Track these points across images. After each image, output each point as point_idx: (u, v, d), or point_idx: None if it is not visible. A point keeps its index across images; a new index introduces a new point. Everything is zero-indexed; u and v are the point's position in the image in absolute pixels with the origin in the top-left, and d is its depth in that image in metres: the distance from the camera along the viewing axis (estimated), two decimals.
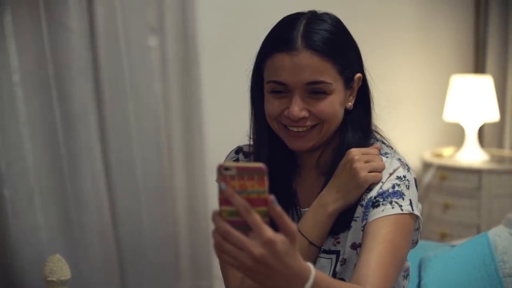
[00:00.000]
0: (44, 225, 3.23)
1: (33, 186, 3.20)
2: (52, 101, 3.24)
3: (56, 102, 3.24)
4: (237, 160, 1.99)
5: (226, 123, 3.91)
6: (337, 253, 1.80)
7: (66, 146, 3.29)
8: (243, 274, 1.33)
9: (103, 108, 3.41)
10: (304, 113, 1.74)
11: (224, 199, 1.30)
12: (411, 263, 1.97)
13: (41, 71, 3.21)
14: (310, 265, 1.36)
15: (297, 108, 1.72)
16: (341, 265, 1.78)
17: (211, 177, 3.71)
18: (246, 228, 1.29)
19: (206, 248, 3.79)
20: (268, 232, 1.28)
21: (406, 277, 1.92)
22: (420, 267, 2.83)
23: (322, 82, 1.71)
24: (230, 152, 2.03)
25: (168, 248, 3.70)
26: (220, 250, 1.31)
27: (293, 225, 1.31)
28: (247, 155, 1.99)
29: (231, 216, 1.30)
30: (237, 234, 1.29)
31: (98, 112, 3.40)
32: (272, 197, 1.30)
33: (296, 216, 1.87)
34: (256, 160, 1.88)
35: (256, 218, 1.28)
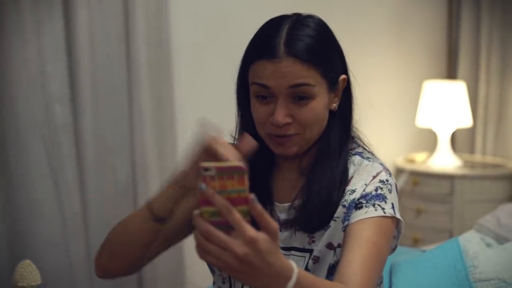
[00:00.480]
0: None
1: None
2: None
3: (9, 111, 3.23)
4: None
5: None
6: (311, 251, 1.80)
7: (46, 153, 3.27)
8: (228, 273, 1.33)
9: (79, 115, 3.40)
10: (288, 119, 1.74)
11: (204, 200, 1.30)
12: None
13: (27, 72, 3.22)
14: (293, 263, 1.37)
15: (281, 115, 1.73)
16: (313, 263, 1.79)
17: None
18: (228, 228, 1.30)
19: (180, 255, 3.78)
20: (250, 230, 1.29)
21: (379, 284, 1.92)
22: (390, 272, 2.84)
23: (305, 84, 1.71)
24: None
25: None
26: (203, 251, 1.31)
27: (274, 223, 1.32)
28: None
29: (212, 217, 1.30)
30: (219, 234, 1.29)
31: (73, 119, 3.38)
32: (252, 196, 1.30)
33: (273, 211, 1.87)
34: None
35: (238, 217, 1.29)
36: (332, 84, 1.79)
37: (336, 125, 1.84)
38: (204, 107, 3.94)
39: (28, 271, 1.95)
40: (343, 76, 1.83)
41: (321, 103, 1.76)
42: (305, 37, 1.72)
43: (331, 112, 1.83)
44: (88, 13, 3.40)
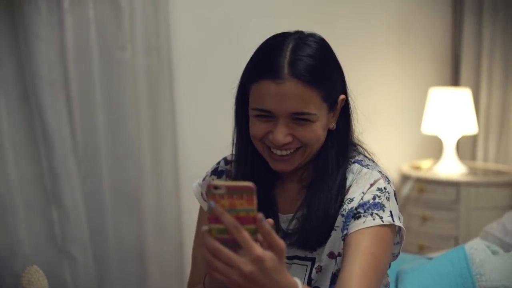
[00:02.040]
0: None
1: (16, 198, 3.19)
2: (32, 113, 3.24)
3: (36, 114, 3.23)
4: (217, 168, 2.01)
5: (201, 138, 3.91)
6: (313, 260, 1.83)
7: (46, 159, 3.27)
8: None
9: (74, 121, 3.38)
10: (288, 139, 1.76)
11: (213, 217, 1.33)
12: (389, 275, 1.98)
13: (19, 82, 3.21)
14: (297, 280, 1.39)
15: (282, 135, 1.75)
16: (317, 272, 1.81)
17: (185, 191, 3.71)
18: (235, 245, 1.32)
19: (177, 262, 3.77)
20: (257, 249, 1.31)
21: None
22: (397, 280, 2.84)
23: (306, 113, 1.73)
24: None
25: (135, 264, 3.67)
26: (210, 268, 1.34)
27: (281, 242, 1.34)
28: (227, 162, 2.02)
29: (220, 234, 1.33)
30: (226, 252, 1.31)
31: (70, 124, 3.36)
32: (261, 215, 1.33)
33: (277, 221, 1.88)
34: (238, 172, 1.90)
35: (245, 235, 1.31)
36: (331, 105, 1.81)
37: (334, 142, 1.86)
38: (204, 113, 3.94)
39: (35, 277, 1.96)
40: (342, 97, 1.84)
41: (320, 126, 1.78)
42: (308, 58, 1.73)
43: (329, 130, 1.84)
44: (86, 18, 3.39)
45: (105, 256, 3.55)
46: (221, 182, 1.33)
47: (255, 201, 1.33)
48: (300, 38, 1.77)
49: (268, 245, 1.33)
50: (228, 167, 2.00)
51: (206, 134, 3.89)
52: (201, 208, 2.03)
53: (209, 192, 1.33)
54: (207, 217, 1.34)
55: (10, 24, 3.16)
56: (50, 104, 3.23)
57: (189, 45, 3.86)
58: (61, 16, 3.29)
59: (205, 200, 1.98)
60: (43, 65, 3.20)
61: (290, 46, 1.74)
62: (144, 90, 3.61)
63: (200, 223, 2.02)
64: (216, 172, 2.02)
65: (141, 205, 3.65)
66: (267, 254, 1.32)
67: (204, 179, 2.03)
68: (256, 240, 1.33)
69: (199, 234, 1.99)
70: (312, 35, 1.81)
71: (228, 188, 1.32)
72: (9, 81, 3.19)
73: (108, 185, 3.55)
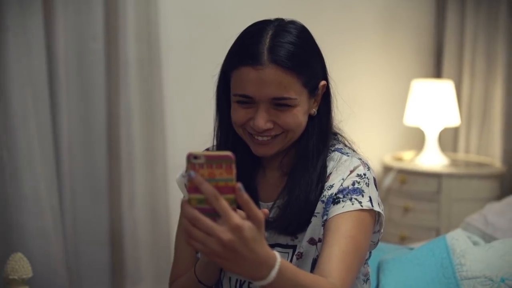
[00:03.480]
0: None
1: None
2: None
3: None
4: None
5: (190, 126, 3.92)
6: (294, 247, 1.84)
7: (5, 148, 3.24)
8: (212, 260, 1.35)
9: (58, 110, 3.38)
10: (269, 125, 1.77)
11: (193, 187, 1.33)
12: (370, 265, 2.00)
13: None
14: (276, 253, 1.40)
15: (262, 121, 1.76)
16: (297, 258, 1.83)
17: (173, 178, 3.72)
18: (214, 215, 1.32)
19: (167, 250, 3.78)
20: (236, 218, 1.31)
21: (366, 281, 1.95)
22: (378, 269, 2.85)
23: (286, 98, 1.74)
24: None
25: (124, 249, 3.69)
26: (189, 236, 1.33)
27: (260, 213, 1.35)
28: None
29: (200, 204, 1.33)
30: (205, 220, 1.31)
31: (52, 114, 3.36)
32: (239, 185, 1.33)
33: None
34: None
35: (224, 204, 1.31)
36: (312, 91, 1.82)
37: (314, 129, 1.87)
38: (193, 103, 3.95)
39: (20, 264, 1.96)
40: (322, 82, 1.86)
41: (301, 111, 1.79)
42: (288, 45, 1.74)
43: (310, 116, 1.85)
44: (73, 7, 3.39)
45: (91, 243, 3.55)
46: (201, 152, 1.33)
47: (234, 170, 1.33)
48: (280, 25, 1.79)
49: (247, 215, 1.33)
50: None
51: (194, 122, 3.89)
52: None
53: (188, 162, 1.33)
54: (187, 187, 1.34)
55: None
56: (27, 94, 3.23)
57: (177, 35, 3.86)
58: (42, 3, 3.26)
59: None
60: (26, 52, 3.20)
61: (270, 33, 1.76)
62: (135, 79, 3.61)
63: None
64: None
65: (130, 193, 3.65)
66: (246, 224, 1.31)
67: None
68: (235, 210, 1.33)
69: (181, 225, 1.99)
70: (292, 22, 1.82)
71: (208, 157, 1.32)
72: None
73: (96, 173, 3.57)
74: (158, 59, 3.70)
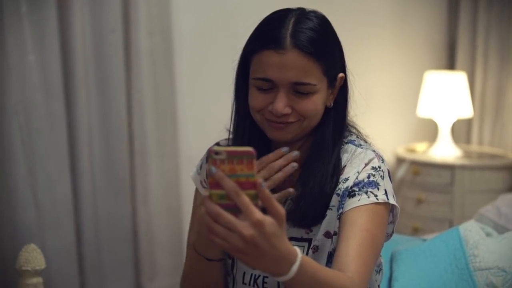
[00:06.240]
0: None
1: None
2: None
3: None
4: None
5: (202, 118, 3.92)
6: (309, 241, 1.83)
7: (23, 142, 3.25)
8: (233, 255, 1.36)
9: (72, 102, 3.40)
10: (288, 110, 1.77)
11: (214, 183, 1.33)
12: (383, 256, 2.00)
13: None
14: (297, 248, 1.40)
15: (282, 104, 1.75)
16: (313, 252, 1.82)
17: (184, 172, 3.72)
18: (236, 210, 1.32)
19: (179, 244, 3.79)
20: (257, 213, 1.31)
21: (379, 272, 1.95)
22: (391, 260, 2.86)
23: (307, 84, 1.75)
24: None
25: (136, 243, 3.70)
26: (210, 232, 1.34)
27: (281, 208, 1.35)
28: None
29: (221, 200, 1.33)
30: (227, 216, 1.32)
31: (66, 106, 3.38)
32: (261, 180, 1.34)
33: None
34: (235, 145, 1.91)
35: (246, 200, 1.31)
36: (331, 81, 1.82)
37: (330, 121, 1.87)
38: (205, 95, 3.96)
39: (33, 255, 1.97)
40: (341, 75, 1.86)
41: (320, 99, 1.80)
42: (310, 31, 1.75)
43: (326, 108, 1.85)
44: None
45: (106, 236, 3.57)
46: (222, 148, 1.34)
47: (255, 166, 1.34)
48: (302, 13, 1.80)
49: (268, 210, 1.34)
50: None
51: (206, 116, 3.89)
52: (196, 193, 2.03)
53: (209, 157, 1.33)
54: (208, 183, 1.34)
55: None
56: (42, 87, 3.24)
57: (189, 27, 3.87)
58: None
59: (204, 188, 1.98)
60: (41, 43, 3.23)
61: (293, 19, 1.77)
62: (146, 71, 3.62)
63: (195, 207, 2.01)
64: None
65: (143, 186, 3.66)
66: (267, 219, 1.32)
67: (201, 167, 2.03)
68: (257, 206, 1.33)
69: (193, 220, 1.99)
70: (313, 11, 1.83)
71: (229, 153, 1.33)
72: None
73: (109, 167, 3.57)
74: (171, 51, 3.71)
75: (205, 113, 3.93)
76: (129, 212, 3.65)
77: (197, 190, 2.02)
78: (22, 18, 3.16)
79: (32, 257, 1.97)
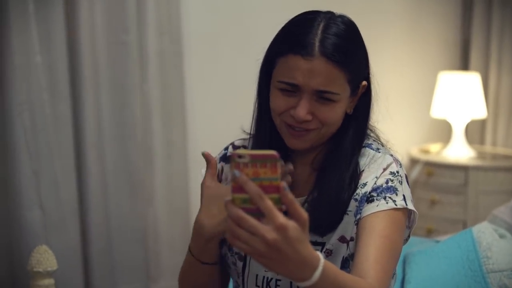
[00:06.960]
0: None
1: None
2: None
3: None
4: (225, 154, 2.01)
5: (210, 120, 3.92)
6: (323, 245, 1.82)
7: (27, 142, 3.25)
8: (256, 260, 1.34)
9: (79, 102, 3.40)
10: (309, 116, 1.74)
11: (237, 187, 1.32)
12: None
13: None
14: (319, 253, 1.39)
15: (304, 111, 1.73)
16: (326, 256, 1.80)
17: (193, 173, 3.71)
18: (259, 215, 1.31)
19: (185, 246, 3.77)
20: (281, 218, 1.30)
21: (392, 276, 1.94)
22: (404, 262, 2.85)
23: (331, 92, 1.73)
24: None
25: (145, 244, 3.70)
26: (233, 236, 1.33)
27: (304, 213, 1.33)
28: (235, 148, 2.01)
29: (244, 204, 1.32)
30: (250, 220, 1.30)
31: (73, 106, 3.38)
32: (284, 184, 1.32)
33: None
34: (256, 145, 1.90)
35: (269, 204, 1.30)
36: (354, 89, 1.80)
37: (350, 128, 1.85)
38: (214, 96, 3.95)
39: (45, 256, 1.96)
40: (363, 83, 1.84)
41: (341, 108, 1.78)
42: (339, 39, 1.73)
43: (346, 115, 1.84)
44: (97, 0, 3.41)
45: (112, 238, 3.57)
46: (245, 151, 1.33)
47: (279, 169, 1.32)
48: (331, 18, 1.78)
49: (291, 215, 1.32)
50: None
51: (215, 116, 3.89)
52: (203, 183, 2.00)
53: (232, 161, 1.32)
54: (230, 187, 1.33)
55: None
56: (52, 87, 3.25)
57: (199, 28, 3.87)
58: None
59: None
60: (49, 45, 3.23)
61: (322, 24, 1.74)
62: (156, 71, 3.62)
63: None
64: (225, 158, 2.00)
65: (150, 187, 3.66)
66: (290, 223, 1.30)
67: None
68: (280, 210, 1.31)
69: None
70: (342, 16, 1.81)
71: (252, 156, 1.32)
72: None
73: (118, 166, 3.57)
74: (180, 52, 3.70)
75: (214, 113, 3.93)
76: (141, 213, 3.64)
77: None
78: (29, 17, 3.15)
79: (44, 258, 1.97)
